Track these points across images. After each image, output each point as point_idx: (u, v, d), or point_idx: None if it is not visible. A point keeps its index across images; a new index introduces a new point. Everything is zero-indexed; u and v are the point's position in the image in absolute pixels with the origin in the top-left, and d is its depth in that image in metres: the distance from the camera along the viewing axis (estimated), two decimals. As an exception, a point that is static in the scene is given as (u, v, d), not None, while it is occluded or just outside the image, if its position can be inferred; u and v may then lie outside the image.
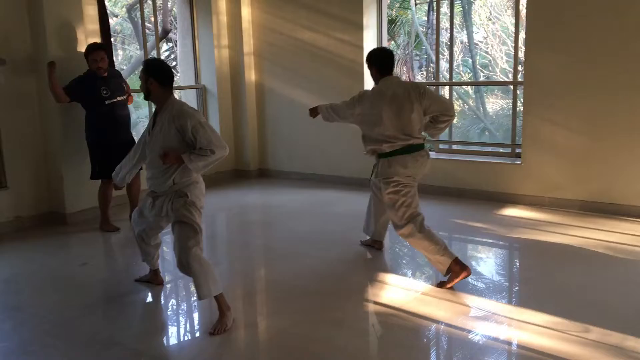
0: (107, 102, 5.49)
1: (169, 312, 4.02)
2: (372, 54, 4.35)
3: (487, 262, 4.81)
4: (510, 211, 5.86)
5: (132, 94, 5.94)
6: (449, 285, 4.03)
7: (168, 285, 4.34)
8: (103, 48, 5.58)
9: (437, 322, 3.62)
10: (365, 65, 4.47)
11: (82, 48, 5.79)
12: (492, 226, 5.40)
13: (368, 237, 4.92)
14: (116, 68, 6.21)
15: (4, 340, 3.48)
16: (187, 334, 3.72)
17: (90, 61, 5.45)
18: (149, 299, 4.15)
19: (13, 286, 4.31)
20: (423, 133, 4.30)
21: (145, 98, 3.75)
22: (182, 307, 4.13)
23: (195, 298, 3.87)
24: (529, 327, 3.40)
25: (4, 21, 5.45)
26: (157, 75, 3.58)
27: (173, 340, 3.61)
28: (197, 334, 3.68)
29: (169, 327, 3.81)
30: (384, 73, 4.26)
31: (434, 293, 4.06)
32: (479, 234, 5.30)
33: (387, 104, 4.11)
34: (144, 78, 3.60)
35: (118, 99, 5.58)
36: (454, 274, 4.03)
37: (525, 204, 6.02)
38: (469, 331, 3.40)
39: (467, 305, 3.78)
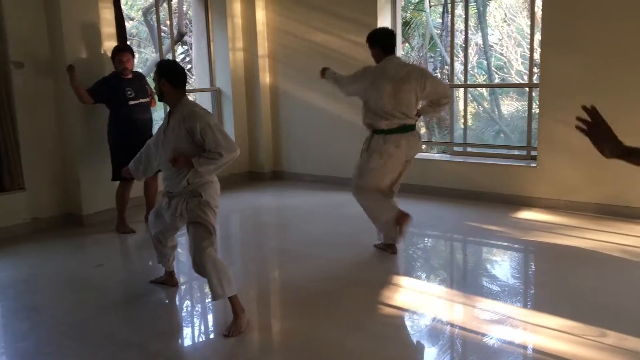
0: (130, 102, 5.55)
1: (183, 314, 4.04)
2: (374, 34, 4.51)
3: (502, 265, 4.78)
4: (525, 214, 5.82)
5: (154, 96, 5.99)
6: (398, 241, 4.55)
7: (183, 287, 4.37)
8: (129, 50, 5.68)
9: (451, 325, 3.60)
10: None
11: (99, 51, 5.86)
12: (507, 229, 5.37)
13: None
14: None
15: (22, 340, 3.53)
16: (202, 335, 3.74)
17: (117, 62, 5.54)
18: (164, 300, 4.18)
19: (30, 287, 4.36)
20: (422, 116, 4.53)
21: (159, 99, 3.79)
22: (197, 308, 4.15)
23: (209, 299, 3.89)
24: (544, 330, 3.38)
25: (22, 24, 5.53)
26: (170, 76, 3.61)
27: (187, 342, 3.63)
28: (212, 336, 3.70)
29: (184, 328, 3.83)
30: (387, 52, 4.41)
31: (448, 296, 4.05)
32: (494, 237, 5.27)
33: (389, 81, 4.28)
34: (157, 79, 3.63)
35: (141, 100, 5.64)
36: (398, 226, 4.47)
37: (540, 206, 5.98)
38: (484, 335, 3.38)
39: (481, 308, 3.75)
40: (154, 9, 7.30)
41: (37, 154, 5.72)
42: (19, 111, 5.56)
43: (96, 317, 3.83)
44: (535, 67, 7.07)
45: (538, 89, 6.07)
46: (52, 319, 3.83)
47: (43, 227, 5.74)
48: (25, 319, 3.80)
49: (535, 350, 3.23)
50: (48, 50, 5.72)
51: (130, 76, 5.61)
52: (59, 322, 3.78)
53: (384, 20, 6.89)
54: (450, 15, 7.08)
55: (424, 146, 7.26)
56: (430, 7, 14.02)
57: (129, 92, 5.54)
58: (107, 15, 6.03)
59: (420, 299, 3.94)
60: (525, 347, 3.31)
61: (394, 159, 4.47)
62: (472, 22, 13.12)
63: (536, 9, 6.26)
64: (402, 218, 4.50)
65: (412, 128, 4.45)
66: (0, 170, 5.43)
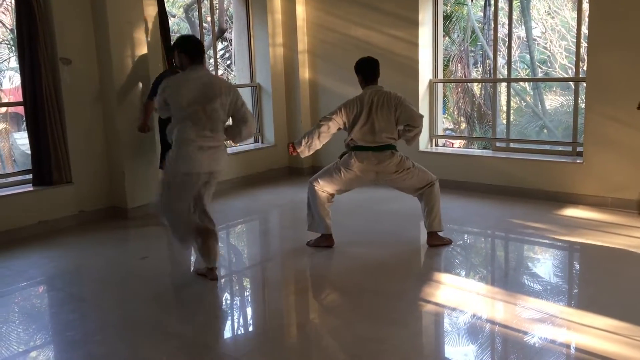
0: None
1: (225, 306, 4.10)
2: (358, 63, 4.81)
3: (545, 264, 4.69)
4: (571, 211, 5.68)
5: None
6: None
7: (223, 280, 4.43)
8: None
9: (492, 322, 3.56)
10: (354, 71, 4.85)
11: (143, 48, 5.97)
12: (551, 226, 5.25)
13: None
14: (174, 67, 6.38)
15: (70, 330, 3.63)
16: (241, 328, 3.78)
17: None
18: (207, 292, 4.24)
19: (77, 278, 4.49)
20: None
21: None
22: (239, 302, 4.20)
23: (248, 293, 3.92)
24: (590, 330, 3.30)
25: (69, 22, 5.67)
26: (185, 48, 4.02)
27: (228, 334, 3.68)
28: (251, 329, 3.74)
29: (226, 320, 3.88)
30: (369, 82, 4.74)
31: (489, 293, 3.99)
32: (538, 234, 5.16)
33: (365, 109, 4.61)
34: (176, 53, 4.07)
35: None
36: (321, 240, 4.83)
37: (586, 204, 5.82)
38: (526, 333, 3.32)
39: (523, 306, 3.69)
40: (196, 5, 7.39)
41: (83, 149, 5.88)
42: (66, 107, 5.72)
43: (141, 308, 3.92)
44: (581, 61, 6.87)
45: (585, 83, 5.90)
46: (99, 309, 3.94)
47: (89, 220, 5.90)
48: (74, 309, 3.92)
49: (580, 349, 3.15)
50: (94, 46, 5.86)
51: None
52: (105, 312, 3.89)
53: (425, 14, 6.82)
54: (493, 8, 6.95)
55: (461, 142, 7.11)
56: (472, 0, 13.80)
57: None
58: (150, 12, 6.14)
59: (461, 296, 3.90)
60: (569, 347, 3.24)
61: (363, 172, 4.75)
62: (515, 15, 12.86)
63: (584, 1, 6.08)
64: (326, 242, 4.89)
65: (384, 148, 4.67)
66: (48, 165, 5.59)
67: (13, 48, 14.03)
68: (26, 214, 5.48)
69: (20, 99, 5.70)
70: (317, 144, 4.78)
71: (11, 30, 13.58)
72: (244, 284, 4.51)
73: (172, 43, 6.37)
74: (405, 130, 4.67)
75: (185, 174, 3.99)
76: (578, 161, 6.00)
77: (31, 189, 5.62)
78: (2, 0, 12.84)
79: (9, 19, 13.65)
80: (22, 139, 14.13)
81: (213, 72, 6.20)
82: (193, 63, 4.06)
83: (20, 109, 12.82)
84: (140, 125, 5.71)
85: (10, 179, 5.81)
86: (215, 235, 4.16)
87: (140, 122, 5.73)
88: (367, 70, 4.76)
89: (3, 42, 15.09)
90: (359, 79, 4.80)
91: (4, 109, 15.35)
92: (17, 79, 13.50)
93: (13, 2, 5.58)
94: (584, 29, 6.37)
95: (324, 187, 4.77)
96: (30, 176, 5.70)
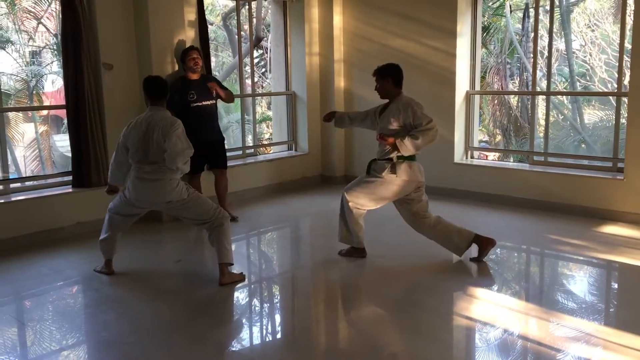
0: (192, 105, 5.81)
1: (256, 313, 4.11)
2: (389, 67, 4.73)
3: (582, 281, 4.58)
4: (610, 229, 5.53)
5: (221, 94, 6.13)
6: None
7: (253, 286, 4.44)
8: (197, 49, 5.96)
9: (525, 339, 3.49)
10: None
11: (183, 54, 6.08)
12: (589, 243, 5.12)
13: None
14: (210, 74, 6.47)
15: (105, 330, 3.70)
16: (269, 335, 3.78)
17: (188, 60, 5.79)
18: (239, 298, 4.27)
19: (113, 279, 4.55)
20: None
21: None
22: (268, 308, 4.21)
23: (277, 300, 3.93)
24: (628, 351, 3.20)
25: (112, 28, 5.81)
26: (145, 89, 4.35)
27: (257, 340, 3.69)
28: (279, 336, 3.74)
29: (256, 327, 3.89)
30: (398, 87, 4.70)
31: (523, 309, 3.92)
32: (575, 251, 5.04)
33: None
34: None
35: (204, 103, 5.88)
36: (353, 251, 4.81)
37: (626, 221, 5.67)
38: (559, 350, 3.25)
39: (558, 323, 3.61)
40: (234, 14, 7.48)
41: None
42: (107, 111, 5.84)
43: (175, 311, 3.96)
44: (623, 76, 6.72)
45: (626, 98, 5.77)
46: (133, 311, 3.99)
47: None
48: (109, 309, 3.98)
49: (619, 372, 3.07)
50: (135, 52, 5.98)
51: (196, 76, 5.85)
52: (140, 314, 3.94)
53: (463, 25, 6.77)
54: (532, 20, 6.86)
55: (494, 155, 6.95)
56: (510, 12, 13.65)
57: (192, 95, 5.80)
58: (191, 19, 6.25)
59: (495, 311, 3.84)
60: (607, 368, 3.15)
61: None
62: (554, 27, 12.67)
63: (628, 15, 5.96)
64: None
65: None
66: (88, 167, 5.71)
67: (56, 52, 14.44)
68: (65, 215, 5.60)
69: (61, 102, 5.85)
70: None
71: (55, 35, 13.98)
72: (274, 290, 4.52)
73: (209, 50, 6.51)
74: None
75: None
76: (619, 177, 5.85)
77: (70, 190, 5.75)
78: (48, 5, 13.22)
79: (53, 25, 14.05)
80: (61, 141, 14.51)
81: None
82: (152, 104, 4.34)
83: (61, 112, 13.17)
84: None
85: (50, 180, 5.95)
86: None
87: None
88: (400, 75, 4.77)
89: (47, 47, 15.55)
90: (390, 82, 4.68)
91: (45, 112, 15.78)
92: (59, 83, 13.89)
93: (59, 8, 5.74)
94: (627, 42, 6.23)
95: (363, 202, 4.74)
96: (69, 178, 5.83)
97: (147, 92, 4.37)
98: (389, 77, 4.65)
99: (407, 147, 4.38)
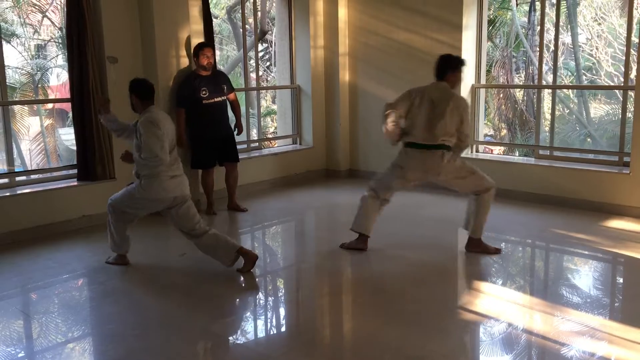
0: (204, 102, 5.81)
1: (260, 306, 4.12)
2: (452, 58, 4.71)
3: (587, 276, 4.57)
4: (616, 223, 5.51)
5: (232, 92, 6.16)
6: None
7: (257, 279, 4.45)
8: (213, 46, 5.97)
9: (530, 333, 3.49)
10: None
11: (188, 47, 6.06)
12: (595, 238, 5.10)
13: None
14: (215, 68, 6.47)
15: (110, 322, 3.71)
16: (274, 328, 3.79)
17: (201, 57, 5.77)
18: (243, 291, 4.28)
19: (119, 272, 4.55)
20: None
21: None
22: (272, 302, 4.22)
23: (282, 294, 3.92)
24: (634, 345, 3.19)
25: (117, 21, 5.80)
26: (136, 90, 4.42)
27: (262, 334, 3.69)
28: (284, 329, 3.75)
29: (260, 320, 3.90)
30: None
31: (528, 304, 3.91)
32: (581, 245, 5.03)
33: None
34: (129, 94, 4.43)
35: (216, 99, 5.89)
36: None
37: (633, 216, 5.64)
38: (564, 344, 3.25)
39: (563, 318, 3.60)
40: (238, 7, 7.47)
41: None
42: (112, 104, 5.82)
43: (180, 304, 3.97)
44: (630, 69, 6.67)
45: (634, 91, 5.73)
46: (139, 304, 4.01)
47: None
48: (114, 302, 4.00)
49: (624, 366, 3.06)
50: (140, 45, 5.97)
51: (207, 73, 5.83)
52: (145, 307, 3.95)
53: (469, 19, 6.73)
54: (540, 14, 6.82)
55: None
56: (517, 5, 13.58)
57: (204, 92, 5.81)
58: (195, 12, 6.23)
59: (500, 306, 3.83)
60: (611, 361, 3.14)
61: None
62: (560, 21, 12.61)
63: (635, 9, 5.91)
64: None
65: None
66: (93, 161, 5.72)
67: (61, 46, 14.46)
68: (70, 208, 5.61)
69: (66, 95, 5.85)
70: None
71: (60, 28, 13.99)
72: (278, 284, 4.53)
73: (214, 44, 6.51)
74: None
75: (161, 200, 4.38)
76: (625, 172, 5.82)
77: (75, 183, 5.76)
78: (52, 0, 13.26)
79: (58, 18, 14.06)
80: (66, 135, 14.55)
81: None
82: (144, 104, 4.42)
83: (66, 105, 13.22)
84: (180, 141, 5.80)
85: (56, 174, 5.97)
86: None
87: (179, 137, 5.80)
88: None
89: (52, 41, 15.57)
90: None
91: (50, 105, 15.83)
92: (63, 76, 13.90)
93: (64, 1, 5.73)
94: (634, 36, 6.18)
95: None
96: (74, 171, 5.84)
97: (146, 92, 4.44)
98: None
99: None
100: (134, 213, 4.50)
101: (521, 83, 14.31)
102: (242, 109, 7.43)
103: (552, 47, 7.46)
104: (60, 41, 14.55)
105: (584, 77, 13.79)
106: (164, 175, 4.27)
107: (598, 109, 13.98)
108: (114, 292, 4.20)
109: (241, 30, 7.64)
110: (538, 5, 10.66)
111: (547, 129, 9.11)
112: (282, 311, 4.03)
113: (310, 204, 6.68)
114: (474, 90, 6.91)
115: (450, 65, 4.60)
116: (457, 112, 4.49)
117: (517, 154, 11.28)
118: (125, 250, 4.58)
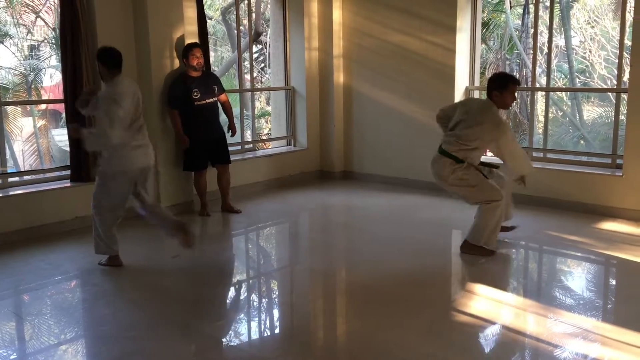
0: (196, 103, 5.80)
1: (254, 308, 4.11)
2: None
3: (580, 278, 4.58)
4: (609, 225, 5.54)
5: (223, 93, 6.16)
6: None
7: (251, 281, 4.44)
8: (199, 46, 5.90)
9: (523, 334, 3.49)
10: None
11: (182, 48, 6.04)
12: (588, 240, 5.12)
13: None
14: (209, 69, 6.46)
15: (104, 324, 3.69)
16: (267, 330, 3.79)
17: (191, 57, 5.74)
18: (237, 293, 4.27)
19: (112, 274, 4.54)
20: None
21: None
22: (266, 303, 4.21)
23: (276, 295, 3.92)
24: (626, 347, 3.20)
25: (111, 22, 5.77)
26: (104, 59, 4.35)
27: (256, 335, 3.69)
28: (277, 331, 3.74)
29: (254, 321, 3.89)
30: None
31: (521, 306, 3.92)
32: (574, 247, 5.04)
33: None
34: (97, 64, 4.37)
35: (207, 101, 5.88)
36: None
37: (625, 218, 5.67)
38: (557, 346, 3.26)
39: (556, 320, 3.61)
40: (233, 8, 7.46)
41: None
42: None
43: (173, 305, 3.96)
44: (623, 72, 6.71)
45: (626, 94, 5.76)
46: (132, 306, 3.99)
47: (124, 217, 5.96)
48: (107, 304, 3.98)
49: (617, 368, 3.07)
50: (134, 46, 5.95)
51: (198, 74, 5.81)
52: (138, 308, 3.94)
53: (463, 21, 6.75)
54: (532, 16, 6.85)
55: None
56: (510, 7, 13.63)
57: (195, 94, 5.79)
58: (190, 14, 6.22)
59: (493, 308, 3.84)
60: (604, 364, 3.16)
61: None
62: (554, 23, 12.66)
63: (627, 12, 5.95)
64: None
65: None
66: (86, 162, 5.69)
67: (54, 47, 14.40)
68: (63, 209, 5.58)
69: (60, 96, 5.83)
70: None
71: (53, 29, 13.94)
72: (272, 285, 4.52)
73: (208, 45, 6.49)
74: None
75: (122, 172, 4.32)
76: (617, 174, 5.85)
77: (69, 185, 5.73)
78: (46, 0, 13.19)
79: (52, 19, 14.01)
80: (59, 136, 14.49)
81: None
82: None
83: (59, 106, 13.17)
84: (181, 141, 5.83)
85: (49, 175, 5.94)
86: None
87: (179, 137, 5.83)
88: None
89: (45, 41, 15.50)
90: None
91: (43, 106, 15.76)
92: (57, 77, 13.86)
93: (57, 2, 5.71)
94: (626, 39, 6.23)
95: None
96: (68, 172, 5.81)
97: (113, 61, 4.39)
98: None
99: None
100: (111, 204, 4.41)
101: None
102: (236, 110, 7.43)
103: (545, 50, 7.50)
104: (53, 42, 14.49)
105: (577, 80, 13.85)
106: (128, 146, 4.25)
107: (591, 111, 14.04)
108: (107, 294, 4.18)
109: (235, 31, 7.65)
110: (532, 7, 10.69)
111: (540, 131, 9.15)
112: (276, 313, 4.03)
113: (305, 206, 6.68)
114: (468, 92, 6.93)
115: (493, 86, 4.56)
116: (490, 137, 4.50)
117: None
118: (116, 250, 4.54)
